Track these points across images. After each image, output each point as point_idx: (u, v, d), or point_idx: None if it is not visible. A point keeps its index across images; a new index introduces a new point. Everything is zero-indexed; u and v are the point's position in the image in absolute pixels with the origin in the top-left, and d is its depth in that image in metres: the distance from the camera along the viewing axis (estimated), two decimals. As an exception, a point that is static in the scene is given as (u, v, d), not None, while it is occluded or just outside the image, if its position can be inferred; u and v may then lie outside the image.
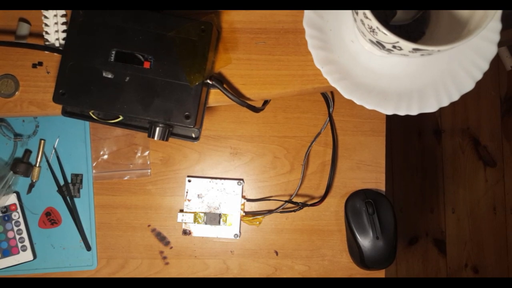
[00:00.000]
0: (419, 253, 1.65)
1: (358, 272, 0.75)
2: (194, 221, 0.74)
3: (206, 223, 0.74)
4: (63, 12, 0.59)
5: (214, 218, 0.74)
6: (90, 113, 0.57)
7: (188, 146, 0.76)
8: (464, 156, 1.68)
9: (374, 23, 0.46)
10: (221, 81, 0.58)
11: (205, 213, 0.74)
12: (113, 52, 0.54)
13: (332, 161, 0.75)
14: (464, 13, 0.52)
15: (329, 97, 0.75)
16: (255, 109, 0.60)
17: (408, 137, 1.68)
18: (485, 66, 0.56)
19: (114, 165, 0.75)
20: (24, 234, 0.73)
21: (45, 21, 0.58)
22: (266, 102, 0.65)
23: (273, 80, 0.59)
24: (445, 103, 0.57)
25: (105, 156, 0.75)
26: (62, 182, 0.74)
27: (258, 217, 0.75)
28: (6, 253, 0.73)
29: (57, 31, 0.58)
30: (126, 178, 0.75)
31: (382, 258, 0.72)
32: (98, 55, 0.54)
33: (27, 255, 0.73)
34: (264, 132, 0.76)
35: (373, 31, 0.48)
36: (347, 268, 0.75)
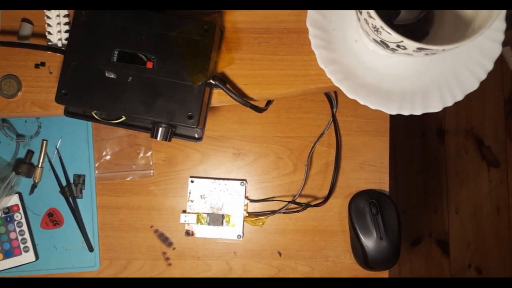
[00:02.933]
0: (423, 253, 1.65)
1: (362, 273, 0.75)
2: (197, 222, 0.74)
3: (209, 224, 0.74)
4: (65, 12, 0.58)
5: (217, 219, 0.74)
6: (93, 114, 0.57)
7: (191, 147, 0.76)
8: (468, 156, 1.67)
9: (378, 22, 0.46)
10: (224, 81, 0.58)
11: (208, 214, 0.74)
12: (116, 52, 0.54)
13: (336, 161, 0.75)
14: (469, 12, 0.52)
15: (333, 97, 0.74)
16: (258, 109, 0.59)
17: (412, 137, 1.68)
18: (490, 66, 0.56)
19: (117, 165, 0.75)
20: (26, 235, 0.73)
21: (48, 21, 0.58)
22: (269, 102, 0.65)
23: (276, 80, 0.59)
24: (449, 103, 0.56)
25: (108, 157, 0.75)
26: (64, 183, 0.74)
27: (261, 217, 0.75)
28: (9, 254, 0.73)
29: (59, 31, 0.58)
30: (128, 179, 0.75)
31: (386, 259, 0.71)
32: (101, 55, 0.54)
33: (29, 256, 0.73)
34: (267, 132, 0.76)
35: (377, 31, 0.47)
36: (350, 269, 0.75)
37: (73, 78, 0.54)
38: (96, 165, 0.75)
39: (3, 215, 0.73)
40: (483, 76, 0.56)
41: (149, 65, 0.54)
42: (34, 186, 0.74)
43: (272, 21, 0.59)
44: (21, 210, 0.73)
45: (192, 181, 0.75)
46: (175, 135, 0.59)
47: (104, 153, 0.75)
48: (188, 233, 0.74)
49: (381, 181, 0.76)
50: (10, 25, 0.59)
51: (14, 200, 0.73)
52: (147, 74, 0.54)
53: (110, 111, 0.54)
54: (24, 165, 0.72)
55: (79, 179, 0.74)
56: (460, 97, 0.56)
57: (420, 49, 0.46)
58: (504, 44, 0.56)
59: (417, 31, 0.57)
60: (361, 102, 0.56)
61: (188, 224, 0.74)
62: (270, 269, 0.75)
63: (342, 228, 0.75)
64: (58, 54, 0.59)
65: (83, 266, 0.74)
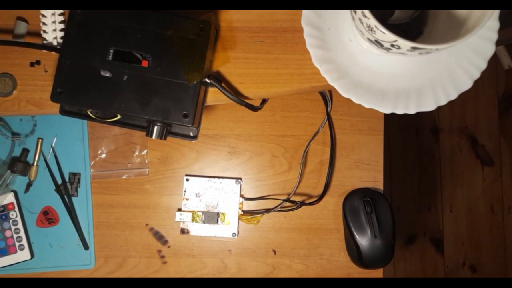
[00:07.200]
0: (417, 252, 1.65)
1: (356, 271, 0.75)
2: (192, 220, 0.74)
3: (204, 222, 0.74)
4: (61, 10, 0.58)
5: (212, 217, 0.74)
6: (88, 112, 0.57)
7: (186, 145, 0.76)
8: (462, 155, 1.68)
9: (373, 21, 0.46)
10: (219, 79, 0.58)
11: (203, 212, 0.74)
12: (111, 50, 0.54)
13: (330, 160, 0.75)
14: (462, 12, 0.52)
15: (328, 96, 0.75)
16: (253, 108, 0.59)
17: (406, 136, 1.68)
18: (483, 65, 0.56)
19: (112, 164, 0.75)
20: (22, 233, 0.73)
21: (43, 19, 0.58)
22: (264, 101, 0.65)
23: (271, 78, 0.59)
24: (443, 102, 0.57)
25: (103, 155, 0.75)
26: (60, 181, 0.74)
27: (256, 216, 0.75)
28: (4, 252, 0.73)
29: (55, 30, 0.58)
30: (124, 177, 0.75)
31: (380, 257, 0.72)
32: (96, 53, 0.54)
33: (24, 254, 0.73)
34: (262, 131, 0.76)
35: (371, 30, 0.48)
36: (345, 267, 0.75)
37: (68, 76, 0.53)
38: (92, 163, 0.75)
39: (-2, 214, 0.73)
40: (476, 75, 0.56)
41: (145, 64, 0.54)
42: (29, 185, 0.74)
43: (267, 20, 0.60)
44: (16, 209, 0.73)
45: (187, 180, 0.75)
46: (170, 134, 0.59)
47: (99, 152, 0.75)
48: (183, 231, 0.75)
49: (375, 179, 0.76)
50: (5, 24, 0.59)
51: (9, 198, 0.73)
52: (142, 73, 0.54)
53: (105, 109, 0.54)
54: (19, 164, 0.72)
55: (75, 178, 0.74)
56: (454, 96, 0.57)
57: (414, 48, 0.47)
58: (498, 43, 0.56)
59: (411, 31, 0.58)
60: (356, 101, 0.56)
61: (183, 222, 0.75)
62: (265, 267, 0.75)
63: (336, 226, 0.76)
64: (53, 52, 0.59)
65: (79, 264, 0.74)
